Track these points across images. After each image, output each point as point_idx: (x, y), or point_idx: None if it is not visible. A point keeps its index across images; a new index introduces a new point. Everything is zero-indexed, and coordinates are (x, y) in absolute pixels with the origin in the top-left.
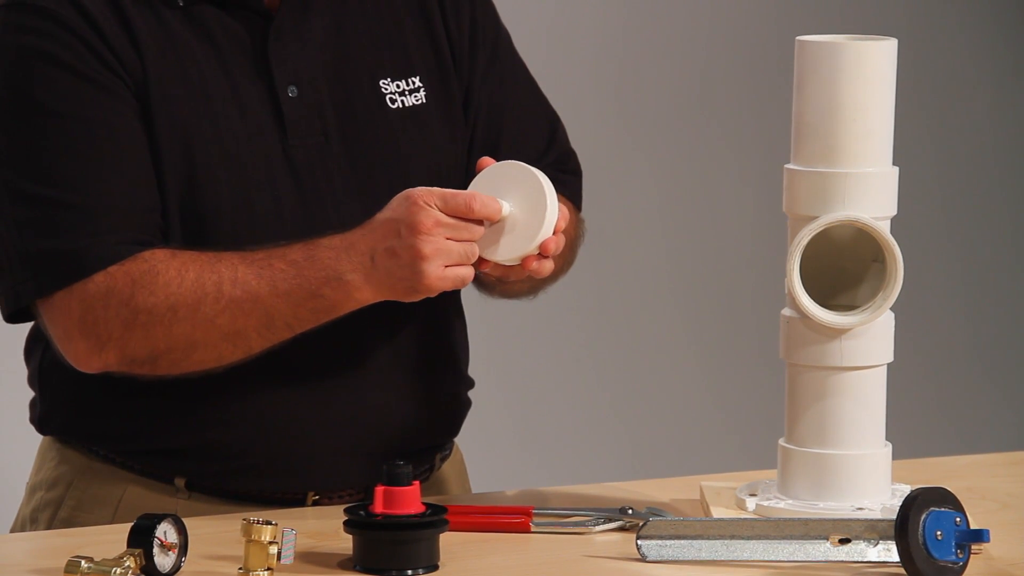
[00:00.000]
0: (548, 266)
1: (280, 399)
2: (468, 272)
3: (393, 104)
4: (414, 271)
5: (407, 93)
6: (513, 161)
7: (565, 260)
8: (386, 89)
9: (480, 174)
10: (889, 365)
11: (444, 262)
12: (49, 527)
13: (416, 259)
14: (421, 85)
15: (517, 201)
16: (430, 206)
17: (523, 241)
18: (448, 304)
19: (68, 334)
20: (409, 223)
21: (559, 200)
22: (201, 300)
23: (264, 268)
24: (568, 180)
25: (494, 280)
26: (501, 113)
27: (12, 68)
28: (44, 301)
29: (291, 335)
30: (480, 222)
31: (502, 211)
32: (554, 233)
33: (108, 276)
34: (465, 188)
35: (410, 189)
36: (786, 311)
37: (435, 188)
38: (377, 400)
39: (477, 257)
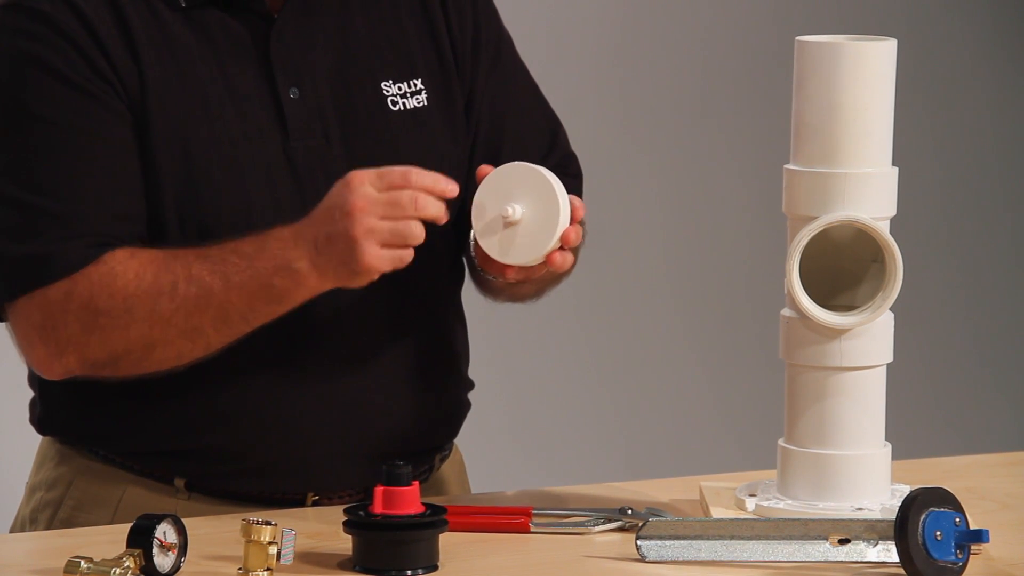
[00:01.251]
0: (570, 258)
1: (280, 400)
2: (406, 254)
3: (395, 106)
4: (351, 254)
5: (409, 95)
6: (513, 163)
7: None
8: (388, 91)
9: (483, 182)
10: (889, 365)
11: (378, 240)
12: (49, 527)
13: (350, 241)
14: (423, 87)
15: (528, 201)
16: (363, 185)
17: (543, 238)
18: (448, 306)
19: (29, 340)
20: (341, 206)
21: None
22: (156, 299)
23: (217, 263)
24: (570, 183)
25: (502, 285)
26: (503, 116)
27: (2, 70)
28: (9, 306)
29: (248, 329)
30: (444, 200)
31: (514, 214)
32: (571, 223)
33: (70, 281)
34: (465, 194)
35: (350, 172)
36: (786, 311)
37: (372, 168)
38: (377, 401)
39: (416, 236)
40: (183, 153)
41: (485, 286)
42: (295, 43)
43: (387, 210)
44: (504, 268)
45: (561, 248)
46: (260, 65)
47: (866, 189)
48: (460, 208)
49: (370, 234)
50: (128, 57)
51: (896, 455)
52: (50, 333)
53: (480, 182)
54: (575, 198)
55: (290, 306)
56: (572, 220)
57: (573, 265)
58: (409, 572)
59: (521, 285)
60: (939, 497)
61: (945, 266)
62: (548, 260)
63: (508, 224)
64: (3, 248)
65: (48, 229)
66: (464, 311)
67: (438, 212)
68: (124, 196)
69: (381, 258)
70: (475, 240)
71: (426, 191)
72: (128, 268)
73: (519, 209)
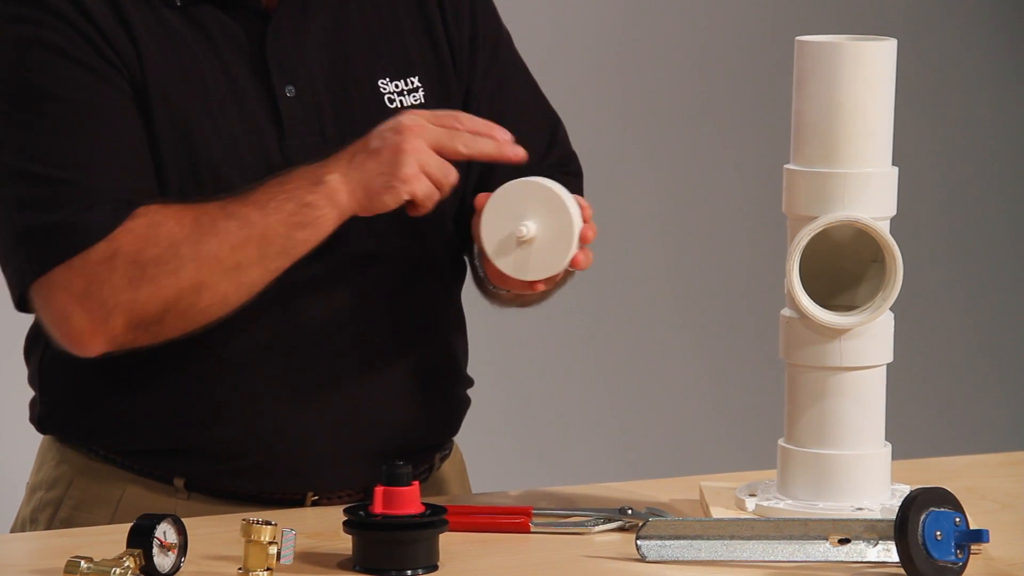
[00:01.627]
0: (591, 254)
1: (279, 399)
2: (438, 192)
3: (392, 104)
4: (394, 164)
5: (406, 93)
6: (509, 183)
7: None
8: (385, 89)
9: (486, 207)
10: (889, 365)
11: (422, 163)
12: (49, 527)
13: (397, 152)
14: (420, 85)
15: (537, 215)
16: (417, 116)
17: (563, 247)
18: (448, 304)
19: (66, 313)
20: (394, 126)
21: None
22: (201, 237)
23: (252, 194)
24: (570, 181)
25: (513, 296)
26: (502, 114)
27: (10, 56)
28: (42, 283)
29: (286, 262)
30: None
31: (529, 232)
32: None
33: (109, 242)
34: (464, 193)
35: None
36: (786, 311)
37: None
38: (376, 399)
39: (453, 177)
40: (187, 145)
41: (493, 297)
42: (291, 40)
43: (439, 138)
44: (529, 284)
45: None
46: (256, 62)
47: (866, 189)
48: (460, 205)
49: (418, 152)
50: (130, 49)
51: (896, 455)
52: (95, 297)
53: (480, 209)
54: (579, 198)
55: (322, 233)
56: (583, 219)
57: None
58: (409, 572)
59: (529, 294)
60: (939, 497)
61: (945, 266)
62: (572, 263)
63: (523, 242)
64: (32, 221)
65: (74, 198)
66: (464, 310)
67: (489, 149)
68: (138, 171)
69: (420, 179)
70: (488, 261)
71: (476, 132)
72: (167, 216)
73: (532, 226)
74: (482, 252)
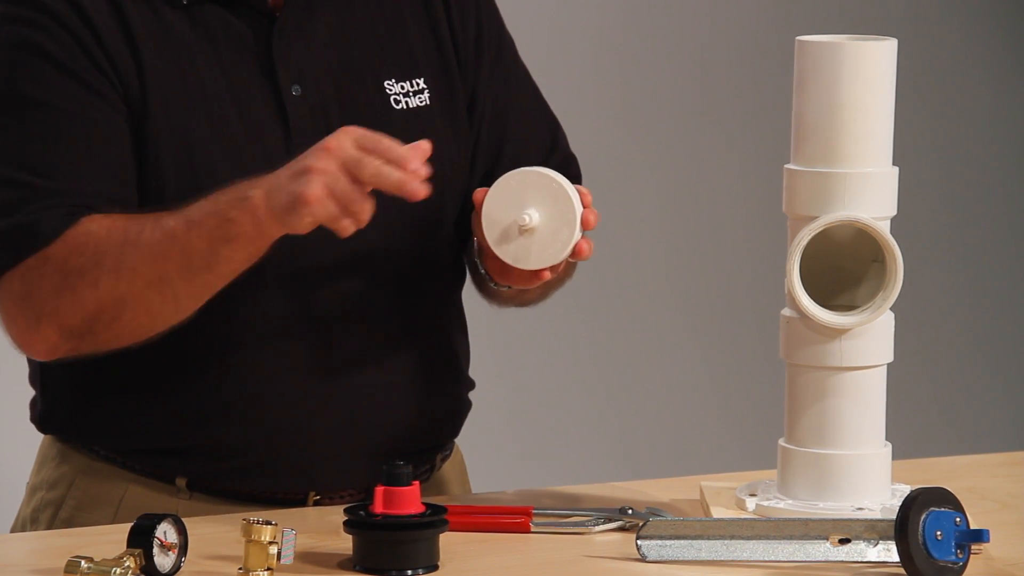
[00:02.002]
0: (591, 243)
1: (281, 399)
2: (347, 222)
3: (397, 105)
4: (299, 183)
5: (411, 94)
6: (508, 173)
7: (571, 265)
8: (390, 90)
9: (486, 199)
10: (889, 365)
11: (328, 185)
12: (50, 527)
13: (306, 171)
14: (425, 87)
15: (538, 204)
16: (346, 135)
17: (565, 233)
18: (448, 305)
19: (10, 314)
20: (322, 143)
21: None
22: (122, 248)
23: (184, 209)
24: None
25: (512, 293)
26: (505, 117)
27: (1, 57)
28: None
29: (213, 278)
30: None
31: (532, 220)
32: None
33: (49, 247)
34: (469, 193)
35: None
36: (786, 311)
37: (367, 129)
38: (378, 401)
39: (359, 212)
40: (185, 150)
41: (493, 296)
42: (297, 40)
43: (349, 162)
44: (533, 275)
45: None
46: (262, 62)
47: (866, 189)
48: (461, 209)
49: (325, 174)
50: (127, 52)
51: (896, 455)
52: (29, 303)
53: (480, 204)
54: (579, 186)
55: (247, 249)
56: (584, 205)
57: (575, 265)
58: (409, 572)
59: (530, 291)
60: (939, 497)
61: (945, 266)
62: (575, 252)
63: (525, 231)
64: None
65: (32, 201)
66: (464, 311)
67: (392, 181)
68: (113, 181)
69: (322, 202)
70: (489, 256)
71: (391, 160)
72: (101, 225)
73: (535, 214)
74: (483, 244)
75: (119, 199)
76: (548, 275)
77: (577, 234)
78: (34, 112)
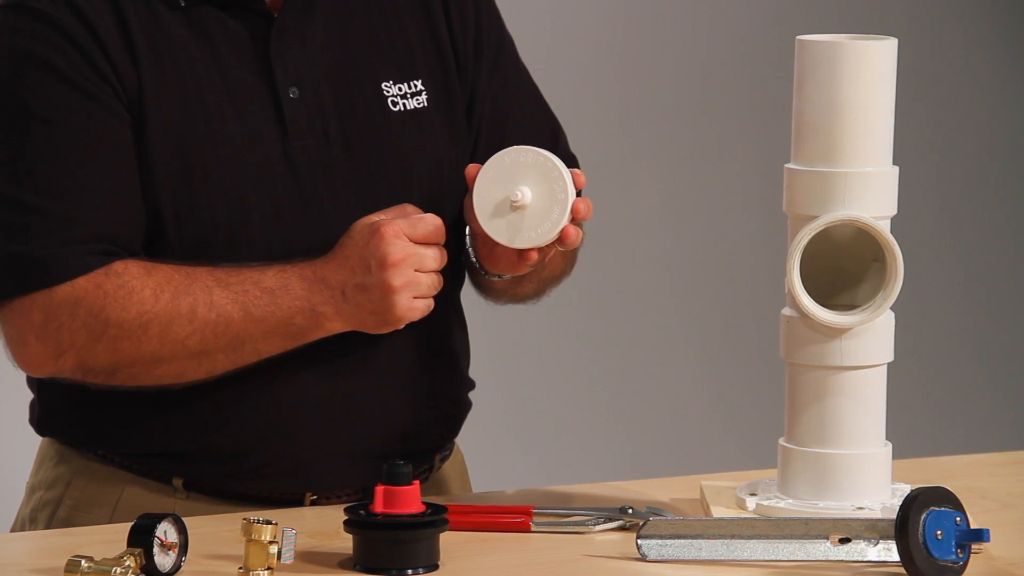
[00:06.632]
0: (580, 232)
1: (279, 400)
2: (430, 304)
3: (395, 107)
4: (385, 304)
5: (409, 96)
6: (503, 151)
7: (567, 262)
8: (388, 92)
9: (479, 175)
10: (889, 365)
11: (413, 294)
12: (48, 527)
13: (387, 293)
14: (423, 88)
15: (530, 182)
16: (399, 238)
17: (556, 214)
18: (448, 306)
19: (23, 337)
20: (379, 257)
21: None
22: (174, 320)
23: (239, 294)
24: None
25: (505, 286)
26: (505, 118)
27: (3, 69)
28: (3, 303)
29: (256, 359)
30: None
31: (524, 197)
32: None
33: (74, 287)
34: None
35: (376, 220)
36: (786, 311)
37: (399, 219)
38: (377, 401)
39: (440, 286)
40: (179, 152)
41: (487, 289)
42: (295, 42)
43: (421, 262)
44: (520, 259)
45: (572, 222)
46: (260, 64)
47: (866, 188)
48: (459, 210)
49: (407, 287)
50: (127, 57)
51: (896, 454)
52: (52, 334)
53: (472, 180)
54: (575, 170)
55: (304, 343)
56: (576, 187)
57: (573, 263)
58: (409, 571)
59: (523, 284)
60: (940, 496)
61: (945, 266)
62: (563, 236)
63: (516, 208)
64: (1, 246)
65: (48, 230)
66: (464, 310)
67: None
68: (124, 197)
69: (414, 309)
70: (477, 241)
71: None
72: (145, 285)
73: (527, 191)
74: (474, 222)
75: (129, 215)
76: (535, 256)
77: (567, 214)
78: (41, 129)
